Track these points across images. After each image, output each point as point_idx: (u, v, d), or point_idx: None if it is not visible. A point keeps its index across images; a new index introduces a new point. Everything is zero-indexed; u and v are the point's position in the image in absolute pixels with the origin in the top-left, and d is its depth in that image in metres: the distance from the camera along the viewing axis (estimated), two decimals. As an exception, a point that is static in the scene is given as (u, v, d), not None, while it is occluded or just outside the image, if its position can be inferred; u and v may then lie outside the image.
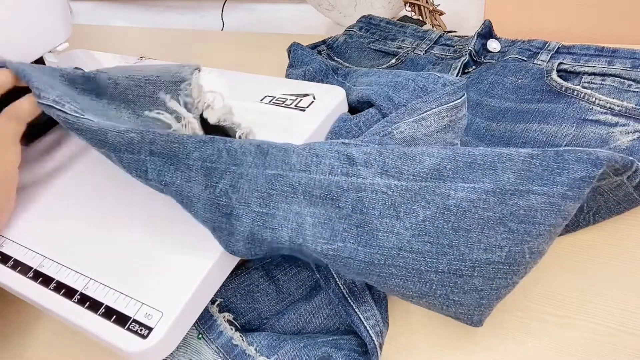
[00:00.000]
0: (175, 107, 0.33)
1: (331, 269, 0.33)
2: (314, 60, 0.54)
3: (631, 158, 0.30)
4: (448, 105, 0.36)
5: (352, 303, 0.32)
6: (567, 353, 0.31)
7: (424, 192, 0.28)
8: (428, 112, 0.35)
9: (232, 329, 0.33)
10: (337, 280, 0.33)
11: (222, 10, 0.93)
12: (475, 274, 0.28)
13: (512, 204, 0.27)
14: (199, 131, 0.34)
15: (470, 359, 0.32)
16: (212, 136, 0.32)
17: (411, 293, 0.29)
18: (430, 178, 0.28)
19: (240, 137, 0.33)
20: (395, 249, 0.28)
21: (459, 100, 0.36)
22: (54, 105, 0.34)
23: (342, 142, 0.33)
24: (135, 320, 0.29)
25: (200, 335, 0.33)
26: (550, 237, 0.28)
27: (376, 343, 0.31)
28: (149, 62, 0.58)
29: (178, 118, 0.34)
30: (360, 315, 0.32)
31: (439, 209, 0.28)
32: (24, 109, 0.36)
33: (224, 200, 0.31)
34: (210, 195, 0.31)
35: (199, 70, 0.34)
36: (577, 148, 0.28)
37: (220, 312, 0.34)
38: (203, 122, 0.35)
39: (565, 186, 0.27)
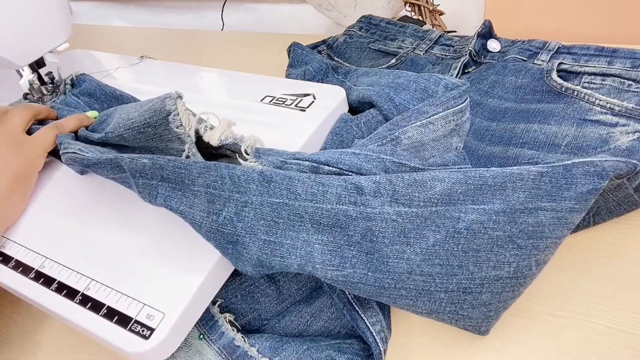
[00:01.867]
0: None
1: None
2: (313, 60, 0.54)
3: (635, 162, 0.30)
4: (454, 109, 0.36)
5: (357, 308, 0.32)
6: (567, 353, 0.31)
7: (434, 216, 0.28)
8: (435, 116, 0.35)
9: (233, 329, 0.33)
10: None
11: (222, 10, 0.93)
12: (484, 291, 0.28)
13: (521, 222, 0.28)
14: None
15: (471, 358, 0.32)
16: (216, 162, 0.32)
17: (421, 310, 0.29)
18: (441, 203, 0.28)
19: (245, 150, 0.33)
20: (405, 273, 0.28)
21: (463, 104, 0.36)
22: (78, 152, 0.37)
23: (353, 152, 0.33)
24: (137, 321, 0.29)
25: (201, 336, 0.33)
26: (555, 248, 0.29)
27: (381, 349, 0.31)
28: (149, 62, 0.58)
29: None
30: (366, 321, 0.32)
31: (449, 232, 0.28)
32: (69, 123, 0.42)
33: (229, 229, 0.31)
34: (213, 223, 0.31)
35: (181, 98, 0.34)
36: (585, 160, 0.28)
37: (220, 312, 0.34)
38: (206, 146, 0.35)
39: (573, 200, 0.27)
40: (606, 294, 0.34)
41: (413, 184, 0.29)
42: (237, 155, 0.34)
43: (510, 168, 0.28)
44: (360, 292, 0.29)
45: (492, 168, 0.29)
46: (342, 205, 0.30)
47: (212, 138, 0.34)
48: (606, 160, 0.28)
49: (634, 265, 0.35)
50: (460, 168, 0.32)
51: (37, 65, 0.50)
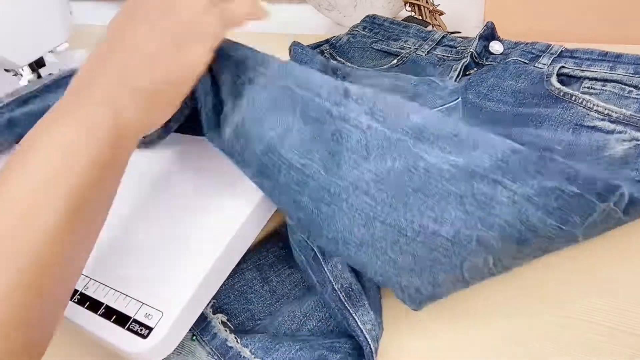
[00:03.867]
0: None
1: (328, 274, 0.33)
2: (313, 60, 0.53)
3: (617, 182, 0.28)
4: (446, 106, 0.36)
5: (348, 307, 0.32)
6: (567, 353, 0.31)
7: (399, 144, 0.29)
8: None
9: (226, 330, 0.33)
10: (334, 284, 0.33)
11: (223, 11, 0.93)
12: (418, 239, 0.29)
13: (477, 187, 0.27)
14: None
15: (470, 358, 0.32)
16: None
17: (353, 238, 0.30)
18: (411, 135, 0.29)
19: None
20: (352, 185, 0.29)
21: (454, 103, 0.36)
22: None
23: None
24: (135, 320, 0.29)
25: (194, 337, 0.33)
26: (502, 238, 0.28)
27: (372, 347, 0.31)
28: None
29: None
30: (357, 320, 0.32)
31: (408, 165, 0.28)
32: (240, 12, 0.34)
33: (240, 88, 0.33)
34: (233, 80, 0.33)
35: None
36: (566, 161, 0.27)
37: (213, 313, 0.34)
38: None
39: (533, 190, 0.27)
40: (606, 294, 0.34)
41: (392, 105, 0.29)
42: None
43: (490, 134, 0.28)
44: (306, 189, 0.30)
45: (473, 127, 0.28)
46: (329, 103, 0.30)
47: None
48: (586, 171, 0.27)
49: (634, 266, 0.35)
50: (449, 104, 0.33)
51: (37, 65, 0.51)
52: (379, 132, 0.29)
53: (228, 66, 0.33)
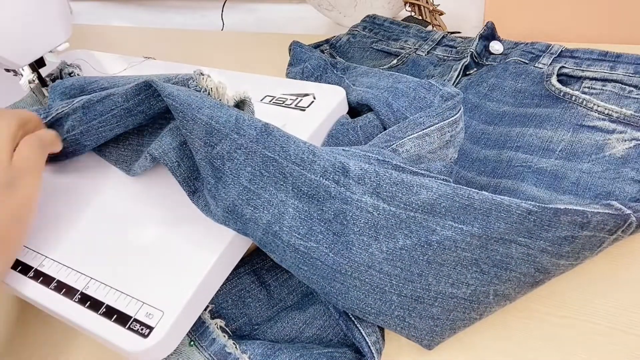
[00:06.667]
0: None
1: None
2: (312, 57, 0.53)
3: (627, 212, 0.29)
4: (449, 120, 0.36)
5: (353, 318, 0.32)
6: (567, 353, 0.31)
7: (410, 221, 0.29)
8: (431, 128, 0.35)
9: (224, 336, 0.33)
10: None
11: (222, 10, 0.93)
12: (436, 304, 0.29)
13: (491, 249, 0.28)
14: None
15: (470, 358, 0.32)
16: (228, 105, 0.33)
17: (369, 309, 0.29)
18: (422, 211, 0.29)
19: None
20: (365, 265, 0.29)
21: (457, 115, 0.36)
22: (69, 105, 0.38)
23: (343, 149, 0.33)
24: (136, 320, 0.29)
25: (192, 343, 0.33)
26: (518, 284, 0.29)
27: None
28: (149, 62, 0.58)
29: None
30: (362, 331, 0.32)
31: (421, 241, 0.28)
32: (47, 138, 0.36)
33: (218, 164, 0.31)
34: (207, 154, 0.31)
35: (202, 74, 0.35)
36: (577, 209, 0.27)
37: (211, 318, 0.34)
38: None
39: (547, 242, 0.28)
40: (606, 294, 0.34)
41: (399, 183, 0.29)
42: None
43: (501, 197, 0.28)
44: (316, 270, 0.29)
45: (482, 192, 0.29)
46: (326, 180, 0.30)
47: (228, 96, 0.35)
48: (598, 213, 0.28)
49: (634, 265, 0.35)
50: (446, 179, 0.32)
51: (37, 65, 0.50)
52: (387, 212, 0.29)
53: (196, 131, 0.31)
